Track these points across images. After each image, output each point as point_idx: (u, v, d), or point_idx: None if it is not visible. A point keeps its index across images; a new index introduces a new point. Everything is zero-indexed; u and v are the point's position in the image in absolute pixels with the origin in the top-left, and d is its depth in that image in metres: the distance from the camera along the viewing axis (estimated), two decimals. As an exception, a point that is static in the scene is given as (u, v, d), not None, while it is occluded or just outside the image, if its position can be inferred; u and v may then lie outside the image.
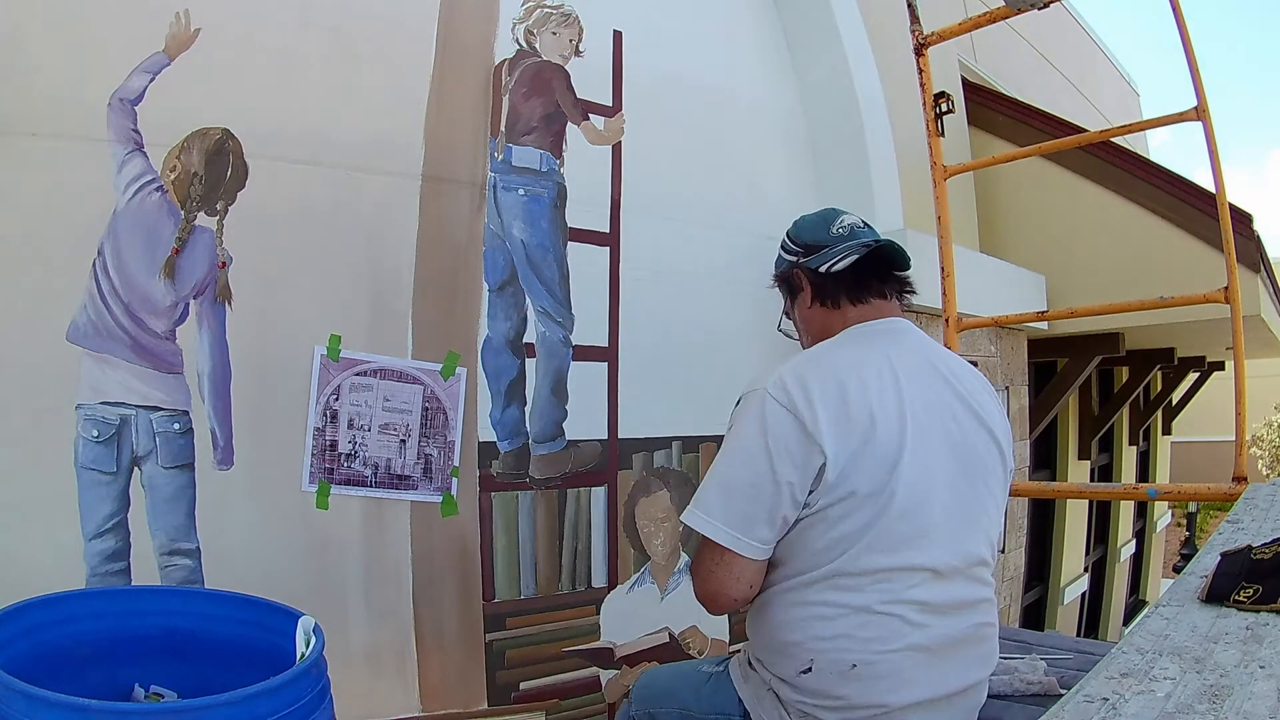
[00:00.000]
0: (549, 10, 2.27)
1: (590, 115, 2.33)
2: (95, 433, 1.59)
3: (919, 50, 2.74)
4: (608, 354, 2.33)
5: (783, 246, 1.47)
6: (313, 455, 1.82)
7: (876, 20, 3.21)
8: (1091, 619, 6.98)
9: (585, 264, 2.29)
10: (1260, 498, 1.90)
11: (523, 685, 2.11)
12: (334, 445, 1.85)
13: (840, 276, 1.33)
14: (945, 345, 2.73)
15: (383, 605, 1.91)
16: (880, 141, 3.09)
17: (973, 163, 3.43)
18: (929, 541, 1.18)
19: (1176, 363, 6.10)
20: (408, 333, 1.96)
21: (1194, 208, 3.70)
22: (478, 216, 2.10)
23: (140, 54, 1.66)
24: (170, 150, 1.70)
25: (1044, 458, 5.75)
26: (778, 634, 1.24)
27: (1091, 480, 6.33)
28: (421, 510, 1.97)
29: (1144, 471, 8.24)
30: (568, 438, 2.24)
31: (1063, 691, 1.51)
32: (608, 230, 2.37)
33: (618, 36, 2.42)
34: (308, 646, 1.29)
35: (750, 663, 1.35)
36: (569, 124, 2.28)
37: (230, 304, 1.75)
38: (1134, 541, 7.91)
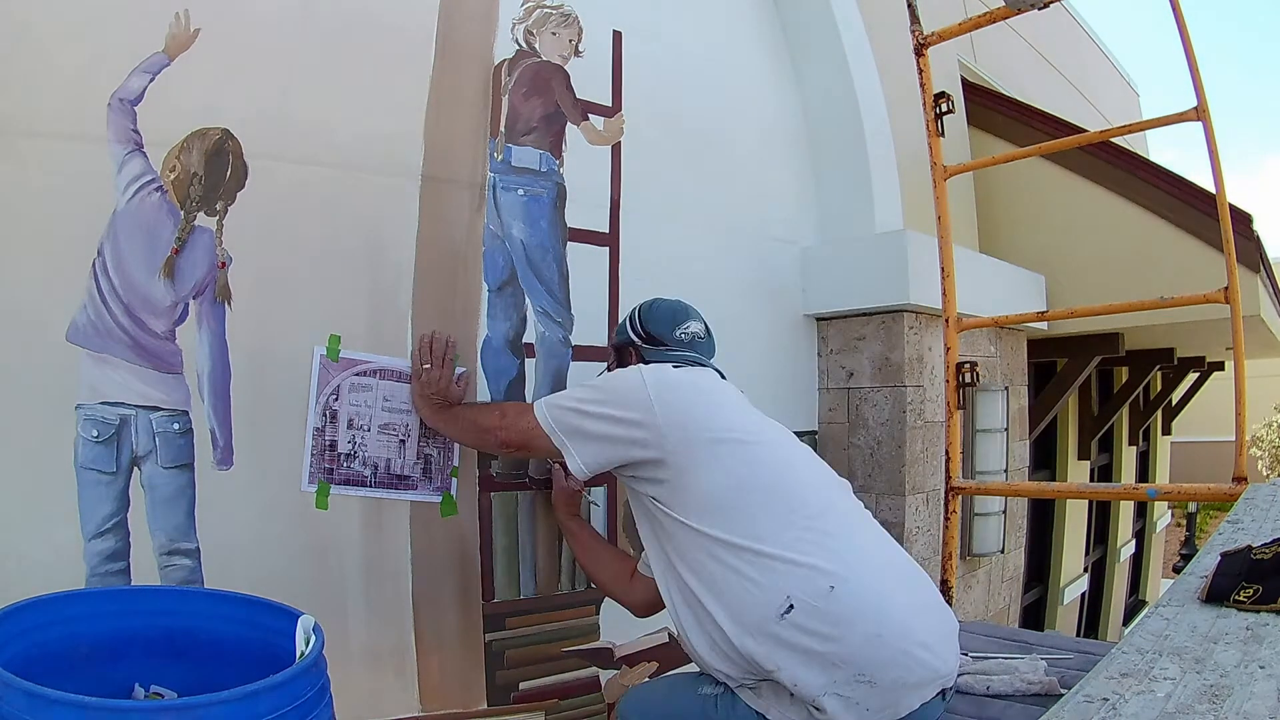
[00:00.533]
0: (549, 10, 2.26)
1: (590, 115, 2.33)
2: (95, 433, 1.59)
3: (919, 50, 2.74)
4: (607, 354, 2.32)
5: (630, 321, 1.81)
6: (312, 455, 1.82)
7: (876, 20, 3.21)
8: (1091, 619, 6.97)
9: (585, 264, 2.29)
10: (1260, 498, 1.90)
11: (522, 685, 2.11)
12: (333, 445, 1.85)
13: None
14: (945, 345, 2.74)
15: (382, 605, 1.90)
16: (880, 141, 3.09)
17: (973, 163, 3.43)
18: None
19: (1176, 363, 6.09)
20: (408, 333, 1.96)
21: (1194, 208, 3.70)
22: (477, 217, 2.10)
23: (140, 54, 1.66)
24: (170, 150, 1.69)
25: (1044, 458, 5.75)
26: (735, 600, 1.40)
27: (1091, 480, 6.33)
28: (421, 510, 1.96)
29: (1144, 472, 8.24)
30: (568, 438, 2.23)
31: (1063, 691, 1.51)
32: (608, 230, 2.37)
33: (618, 36, 2.42)
34: (307, 645, 1.29)
35: (753, 685, 1.37)
36: (569, 124, 2.28)
37: (230, 304, 1.75)
38: (1134, 542, 7.91)
